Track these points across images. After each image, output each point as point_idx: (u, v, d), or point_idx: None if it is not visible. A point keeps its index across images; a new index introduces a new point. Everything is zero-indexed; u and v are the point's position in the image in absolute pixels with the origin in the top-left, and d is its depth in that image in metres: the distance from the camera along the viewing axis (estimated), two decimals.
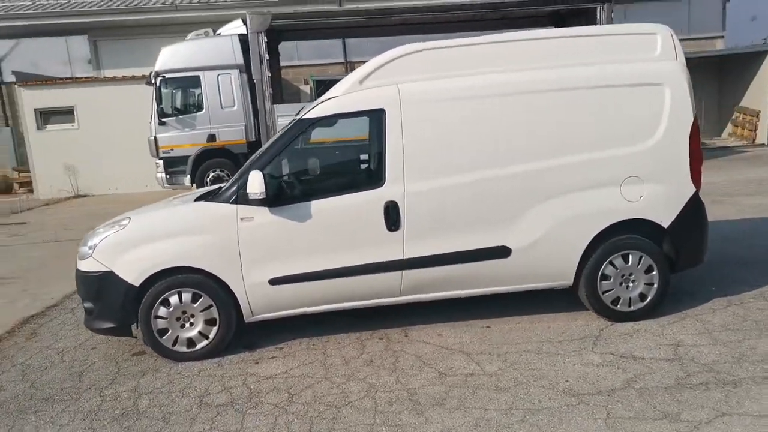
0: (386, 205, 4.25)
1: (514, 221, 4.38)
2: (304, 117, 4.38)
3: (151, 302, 4.22)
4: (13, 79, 17.16)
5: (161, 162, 12.42)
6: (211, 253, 4.23)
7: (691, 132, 4.45)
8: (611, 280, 4.52)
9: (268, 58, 12.04)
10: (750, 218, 7.92)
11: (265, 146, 4.46)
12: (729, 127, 19.31)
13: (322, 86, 16.37)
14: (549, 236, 4.41)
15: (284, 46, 15.45)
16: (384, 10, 12.88)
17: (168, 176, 12.47)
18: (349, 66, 20.50)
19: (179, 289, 4.25)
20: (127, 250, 4.24)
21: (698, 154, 4.50)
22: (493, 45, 4.49)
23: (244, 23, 12.21)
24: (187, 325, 4.32)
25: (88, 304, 4.35)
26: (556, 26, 13.64)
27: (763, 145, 17.42)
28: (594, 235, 4.43)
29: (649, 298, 4.56)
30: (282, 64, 15.78)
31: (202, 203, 4.35)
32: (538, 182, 4.38)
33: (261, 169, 4.17)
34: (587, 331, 4.43)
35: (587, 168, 4.40)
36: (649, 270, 4.53)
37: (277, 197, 4.22)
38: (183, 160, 12.33)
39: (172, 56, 12.39)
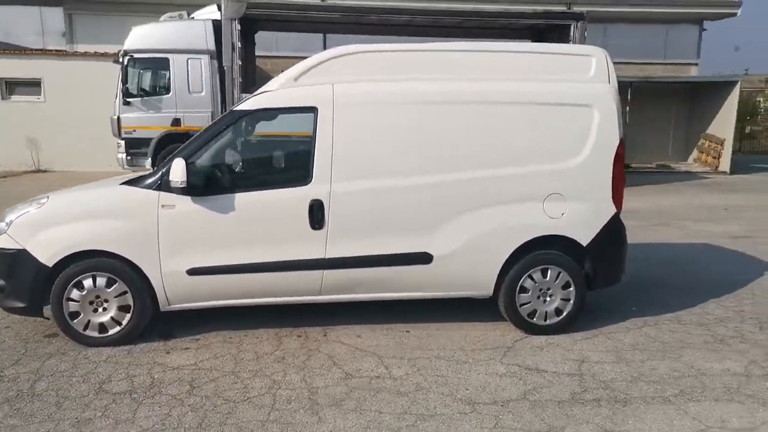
0: (311, 203, 4.26)
1: (437, 228, 4.43)
2: (235, 109, 4.37)
3: (64, 284, 4.18)
4: None
5: (123, 142, 12.26)
6: (128, 239, 4.19)
7: (615, 154, 4.55)
8: (529, 293, 4.60)
9: (240, 46, 11.96)
10: (691, 243, 8.10)
11: (194, 136, 4.43)
12: (695, 153, 19.71)
13: None
14: (470, 246, 4.46)
15: (263, 36, 15.36)
16: (362, 9, 12.86)
17: (129, 157, 12.31)
18: None
19: (94, 273, 4.21)
20: (43, 229, 4.19)
21: (621, 176, 4.60)
22: (432, 53, 4.54)
23: (219, 9, 12.14)
24: (100, 309, 4.28)
25: (0, 282, 4.29)
26: (534, 41, 13.80)
27: (725, 173, 17.83)
28: (515, 248, 4.50)
29: (564, 313, 4.65)
30: (259, 53, 15.68)
31: (124, 187, 4.31)
32: (463, 192, 4.43)
33: (186, 158, 4.16)
34: (501, 342, 4.50)
35: (512, 182, 4.47)
36: (566, 286, 4.62)
37: (200, 187, 4.20)
38: (145, 142, 12.18)
39: (142, 36, 12.26)
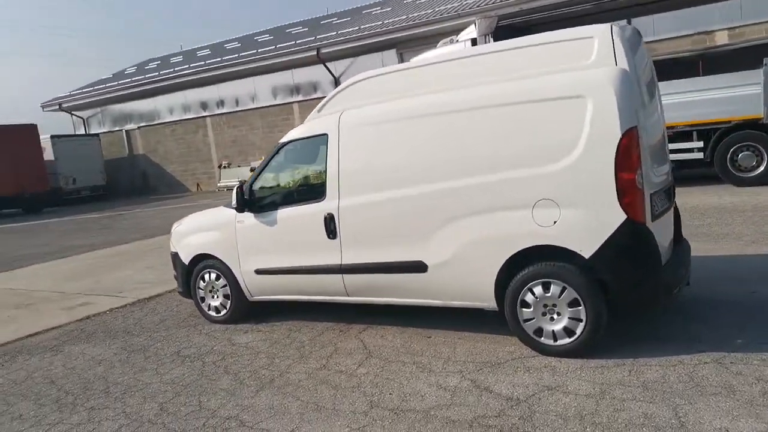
0: (326, 216, 4.94)
1: (430, 238, 4.52)
2: (280, 141, 5.39)
3: (196, 276, 5.91)
4: None
5: None
6: (222, 246, 5.67)
7: (618, 150, 3.80)
8: (531, 309, 4.22)
9: None
10: None
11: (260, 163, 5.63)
12: None
13: None
14: (462, 255, 4.39)
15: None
16: None
17: None
18: None
19: (208, 270, 5.83)
20: (182, 238, 6.04)
21: (629, 176, 3.79)
22: (421, 68, 4.71)
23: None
24: (210, 296, 5.87)
25: (175, 273, 6.32)
26: None
27: None
28: (506, 258, 4.22)
29: (576, 334, 4.08)
30: None
31: (222, 208, 5.80)
32: (453, 201, 4.39)
33: (249, 184, 5.40)
34: (497, 358, 4.27)
35: (499, 189, 4.21)
36: (574, 303, 4.06)
37: (258, 205, 5.37)
38: None
39: None
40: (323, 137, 4.99)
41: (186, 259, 5.97)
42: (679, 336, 4.31)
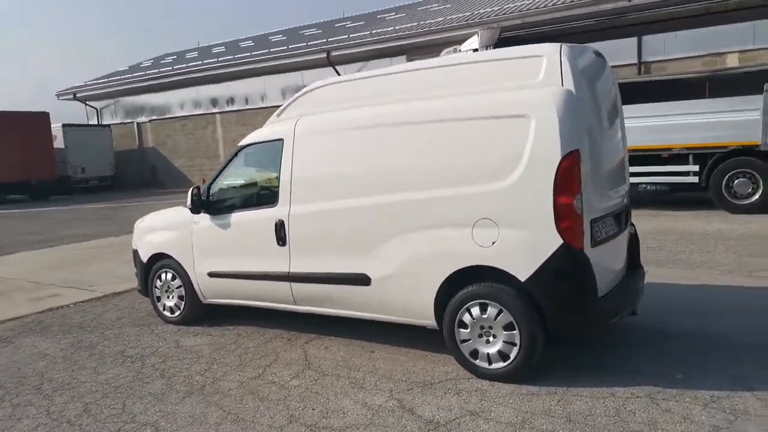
0: (276, 222, 4.89)
1: (373, 251, 4.44)
2: (239, 143, 5.35)
3: (153, 275, 5.89)
4: None
5: None
6: (178, 246, 5.63)
7: (557, 173, 3.70)
8: (469, 330, 4.13)
9: None
10: None
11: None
12: None
13: None
14: (403, 271, 4.31)
15: None
16: (611, 11, 11.74)
17: None
18: (643, 67, 18.64)
19: (165, 269, 5.80)
20: (142, 236, 6.02)
21: (567, 200, 3.69)
22: (373, 79, 4.64)
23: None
24: (167, 296, 5.84)
25: (135, 270, 6.30)
26: None
27: None
28: (445, 276, 4.14)
29: (511, 359, 3.98)
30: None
31: (180, 208, 5.76)
32: (395, 215, 4.32)
33: (207, 186, 5.37)
34: (432, 378, 4.17)
35: (442, 205, 4.13)
36: (509, 327, 3.96)
37: (209, 207, 5.34)
38: None
39: None
40: (279, 142, 4.94)
41: (144, 256, 5.95)
42: (621, 367, 4.18)
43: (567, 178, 3.69)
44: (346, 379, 4.27)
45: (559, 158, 3.69)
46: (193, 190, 5.33)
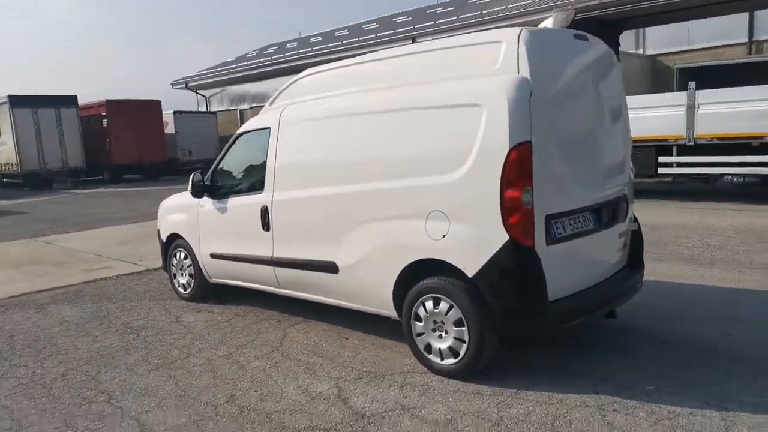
0: (262, 208, 4.98)
1: (341, 240, 4.40)
2: (237, 131, 5.49)
3: (171, 253, 6.25)
4: None
5: None
6: (188, 227, 5.92)
7: (504, 165, 3.45)
8: (423, 324, 3.99)
9: None
10: None
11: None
12: None
13: (688, 75, 14.35)
14: (365, 261, 4.25)
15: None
16: None
17: None
18: (755, 46, 16.80)
19: (179, 249, 6.12)
20: (164, 216, 6.38)
21: (514, 194, 3.43)
22: (350, 67, 4.61)
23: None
24: (180, 273, 6.16)
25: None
26: None
27: None
28: (401, 268, 4.02)
29: (460, 356, 3.80)
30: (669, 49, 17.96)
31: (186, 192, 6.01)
32: (359, 205, 4.26)
33: (211, 170, 5.60)
34: (387, 369, 4.07)
35: (400, 196, 4.00)
36: (459, 323, 3.78)
37: (212, 191, 5.54)
38: None
39: None
40: (267, 130, 5.02)
41: (164, 236, 6.31)
42: (588, 374, 3.86)
43: (515, 170, 3.44)
44: (304, 364, 4.29)
45: (507, 149, 3.45)
46: (194, 175, 5.56)
